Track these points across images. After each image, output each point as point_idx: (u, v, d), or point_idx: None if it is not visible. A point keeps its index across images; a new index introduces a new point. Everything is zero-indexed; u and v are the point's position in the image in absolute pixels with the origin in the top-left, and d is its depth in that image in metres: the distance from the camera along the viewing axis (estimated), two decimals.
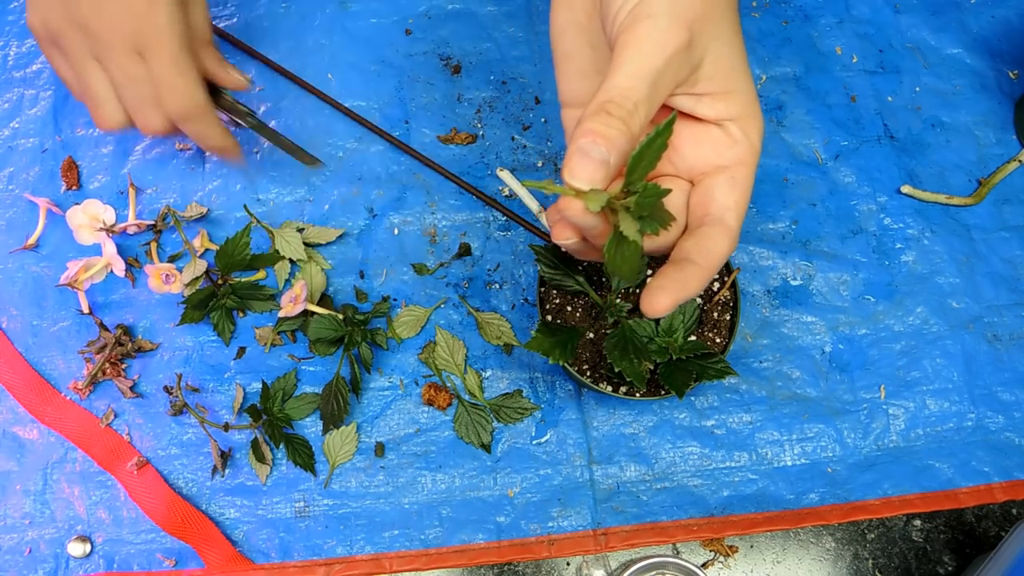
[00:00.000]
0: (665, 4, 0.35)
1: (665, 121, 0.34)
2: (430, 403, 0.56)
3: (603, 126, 0.34)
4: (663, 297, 0.38)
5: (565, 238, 0.38)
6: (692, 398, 0.56)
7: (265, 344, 0.57)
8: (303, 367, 0.57)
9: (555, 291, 0.52)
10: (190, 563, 0.53)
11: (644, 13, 0.35)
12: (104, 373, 0.56)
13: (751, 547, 0.54)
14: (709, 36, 0.36)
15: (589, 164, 0.34)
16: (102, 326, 0.56)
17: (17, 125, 0.63)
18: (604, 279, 0.52)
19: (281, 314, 0.55)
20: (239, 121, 0.56)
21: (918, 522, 0.55)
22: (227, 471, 0.55)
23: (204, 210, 0.59)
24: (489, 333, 0.57)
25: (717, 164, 0.40)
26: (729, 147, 0.39)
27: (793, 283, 0.59)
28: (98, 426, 0.55)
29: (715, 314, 0.52)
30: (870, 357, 0.57)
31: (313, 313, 0.56)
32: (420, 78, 0.63)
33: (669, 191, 0.35)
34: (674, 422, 0.56)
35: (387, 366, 0.57)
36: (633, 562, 0.49)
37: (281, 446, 0.55)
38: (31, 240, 0.59)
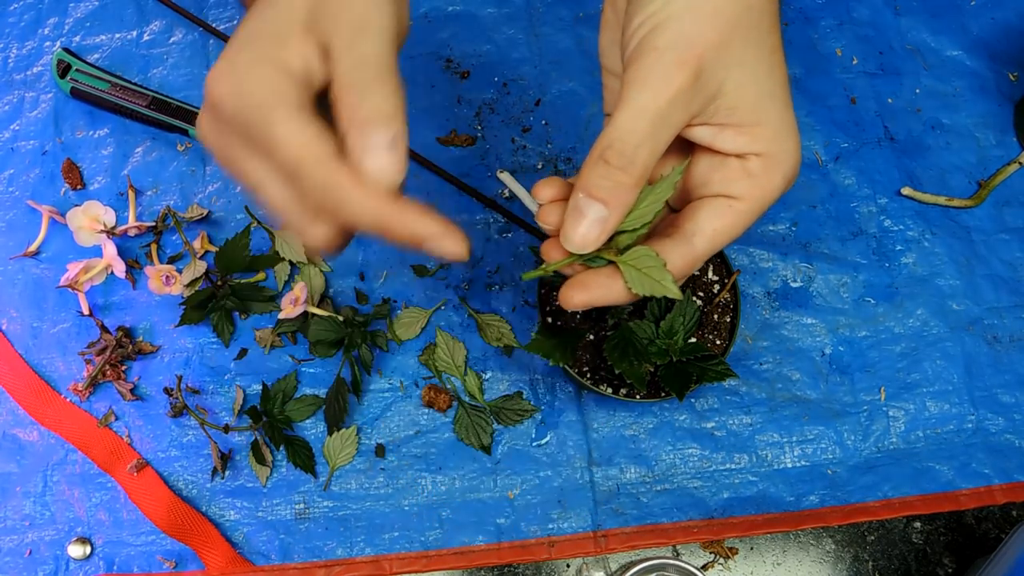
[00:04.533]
0: (672, 34, 0.33)
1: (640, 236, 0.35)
2: (430, 405, 0.56)
3: (600, 178, 0.33)
4: (580, 294, 0.36)
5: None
6: (692, 400, 0.56)
7: (265, 346, 0.57)
8: (303, 369, 0.57)
9: (555, 293, 0.52)
10: (190, 565, 0.53)
11: (650, 45, 0.33)
12: (104, 375, 0.56)
13: (751, 549, 0.54)
14: (728, 63, 0.33)
15: (583, 226, 0.34)
16: (103, 328, 0.56)
17: (18, 127, 0.63)
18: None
19: (281, 316, 0.55)
20: None
21: (918, 524, 0.55)
22: (227, 473, 0.55)
23: (205, 212, 0.59)
24: (489, 335, 0.57)
25: (721, 192, 0.36)
26: (740, 179, 0.36)
27: (793, 285, 0.59)
28: (97, 428, 0.55)
29: (715, 316, 0.52)
30: (870, 359, 0.57)
31: (313, 315, 0.56)
32: (420, 80, 0.63)
33: (663, 263, 0.35)
34: (674, 424, 0.56)
35: (387, 368, 0.57)
36: (633, 564, 0.49)
37: (281, 448, 0.55)
38: (32, 247, 0.59)
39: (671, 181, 0.35)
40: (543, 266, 0.37)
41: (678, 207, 0.39)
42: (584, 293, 0.36)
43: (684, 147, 0.38)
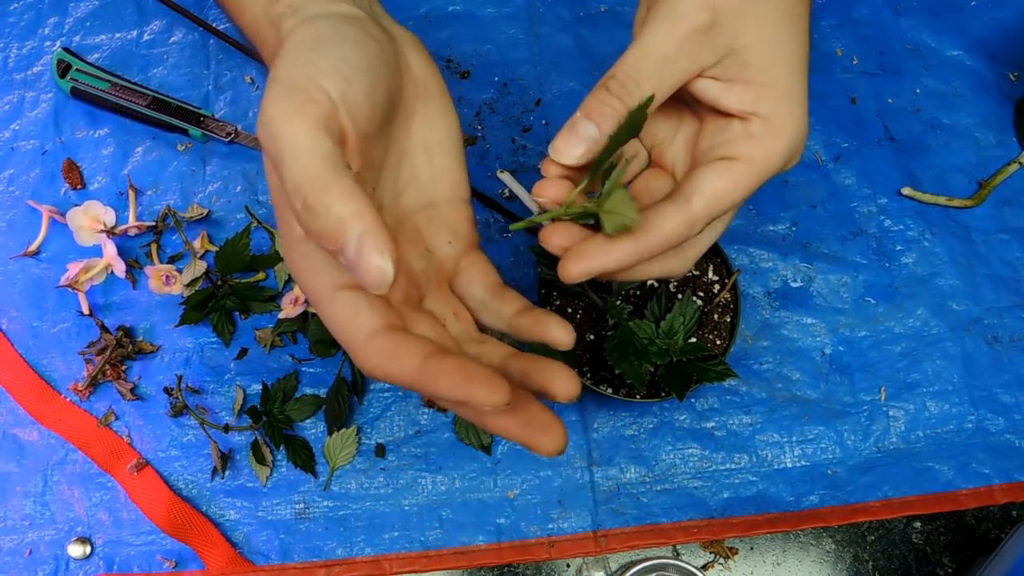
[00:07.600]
0: None
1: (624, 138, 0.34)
2: (430, 405, 0.56)
3: (599, 102, 0.35)
4: (577, 264, 0.35)
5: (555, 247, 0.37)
6: (692, 400, 0.56)
7: (265, 345, 0.57)
8: (303, 368, 0.57)
9: (555, 293, 0.52)
10: (190, 565, 0.53)
11: None
12: (104, 375, 0.56)
13: (751, 549, 0.54)
14: (746, 17, 0.34)
15: (572, 140, 0.35)
16: (103, 328, 0.56)
17: (18, 127, 0.63)
18: (604, 281, 0.52)
19: (281, 315, 0.55)
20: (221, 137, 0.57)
21: (918, 524, 0.55)
22: (227, 473, 0.55)
23: (205, 211, 0.59)
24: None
25: (723, 155, 0.36)
26: (741, 140, 0.35)
27: (793, 285, 0.59)
28: (97, 427, 0.55)
29: (715, 316, 0.52)
30: (870, 359, 0.57)
31: (313, 314, 0.56)
32: None
33: (630, 198, 0.34)
34: (674, 424, 0.56)
35: None
36: (633, 564, 0.49)
37: (281, 448, 0.55)
38: (32, 247, 0.59)
39: (643, 107, 0.34)
40: (531, 218, 0.37)
41: None
42: (583, 263, 0.35)
43: (695, 116, 0.39)
